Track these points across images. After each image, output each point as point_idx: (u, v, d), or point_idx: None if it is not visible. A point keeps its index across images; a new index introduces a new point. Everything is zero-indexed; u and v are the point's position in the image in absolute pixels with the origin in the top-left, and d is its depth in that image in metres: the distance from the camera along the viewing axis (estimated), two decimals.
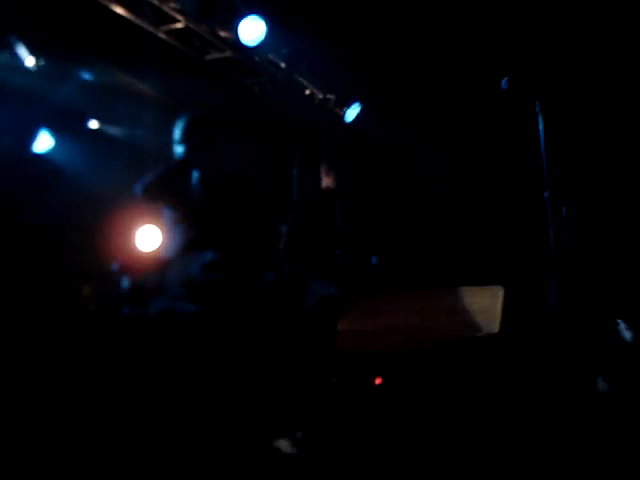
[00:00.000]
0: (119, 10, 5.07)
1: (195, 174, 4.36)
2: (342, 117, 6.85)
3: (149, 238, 4.89)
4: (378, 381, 6.35)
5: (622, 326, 5.02)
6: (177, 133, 4.42)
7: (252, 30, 5.48)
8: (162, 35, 5.39)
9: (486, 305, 4.81)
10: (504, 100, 3.19)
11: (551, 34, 5.59)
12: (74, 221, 5.00)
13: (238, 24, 5.45)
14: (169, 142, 5.04)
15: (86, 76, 5.43)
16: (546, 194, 3.13)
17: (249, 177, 4.60)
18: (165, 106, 5.83)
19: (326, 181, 5.20)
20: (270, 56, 6.03)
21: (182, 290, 4.23)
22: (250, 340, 4.26)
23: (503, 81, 3.11)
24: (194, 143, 4.35)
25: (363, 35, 6.13)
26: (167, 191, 4.35)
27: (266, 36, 5.51)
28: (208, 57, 5.82)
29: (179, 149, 4.38)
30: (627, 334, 5.11)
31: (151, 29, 5.34)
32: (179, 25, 5.38)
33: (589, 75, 5.92)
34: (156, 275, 4.34)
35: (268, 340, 4.33)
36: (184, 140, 4.35)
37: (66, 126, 5.32)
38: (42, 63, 5.08)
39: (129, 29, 5.25)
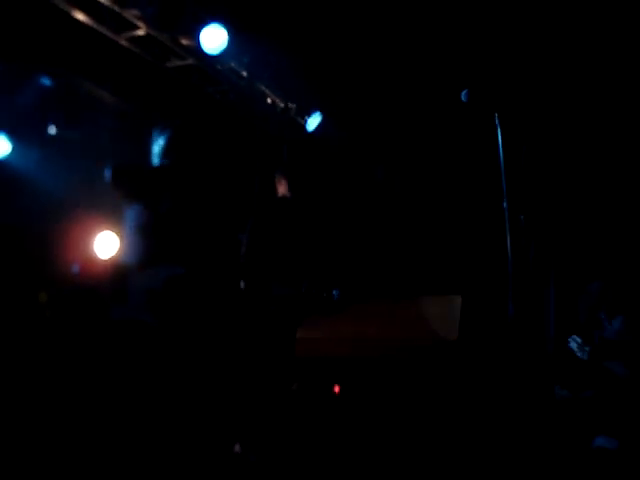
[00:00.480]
0: (79, 16, 5.03)
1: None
2: (303, 126, 6.88)
3: (108, 245, 4.86)
4: (337, 389, 6.39)
5: (574, 344, 5.07)
6: (157, 147, 4.43)
7: (214, 38, 5.49)
8: (123, 42, 5.36)
9: (445, 313, 4.87)
10: (464, 112, 3.25)
11: (509, 47, 5.69)
12: (32, 227, 4.95)
13: (200, 32, 5.46)
14: (129, 149, 5.02)
15: (46, 81, 5.37)
16: (505, 204, 3.18)
17: (219, 189, 4.63)
18: (126, 113, 5.80)
19: (281, 190, 5.24)
20: (232, 64, 6.03)
21: (144, 301, 4.22)
22: (211, 348, 4.26)
23: (463, 93, 3.17)
24: (175, 159, 4.38)
25: (324, 45, 6.17)
26: (137, 186, 4.33)
27: (228, 45, 5.52)
28: (169, 64, 5.81)
29: (159, 162, 4.40)
30: (579, 351, 5.17)
31: (112, 36, 5.31)
32: (140, 32, 5.36)
33: (546, 87, 6.04)
34: (116, 282, 4.31)
35: (230, 347, 4.34)
36: (165, 156, 4.38)
37: (25, 131, 5.26)
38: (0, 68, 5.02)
39: (89, 35, 5.22)
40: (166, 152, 4.35)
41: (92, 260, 4.80)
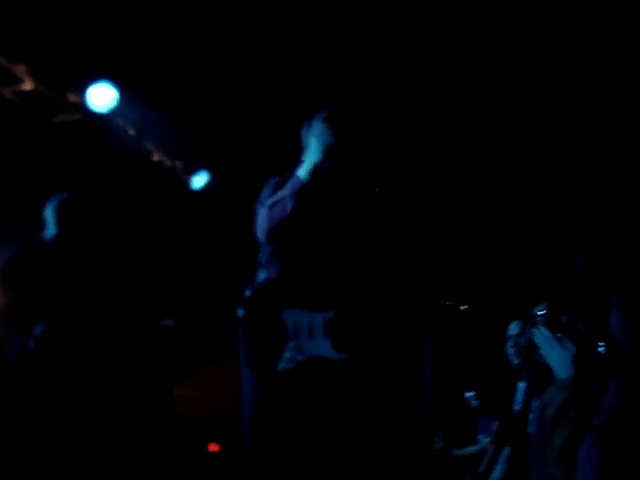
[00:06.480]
0: None
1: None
2: (189, 184, 6.94)
3: None
4: (213, 448, 6.34)
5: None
6: (49, 213, 4.41)
7: (102, 96, 5.51)
8: (9, 95, 5.32)
9: None
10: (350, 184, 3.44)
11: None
12: None
13: (88, 89, 5.47)
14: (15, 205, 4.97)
15: None
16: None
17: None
18: (12, 166, 5.70)
19: None
20: (119, 121, 6.06)
21: None
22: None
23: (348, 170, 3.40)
24: (68, 225, 4.38)
25: (210, 105, 6.29)
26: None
27: (116, 102, 5.56)
28: (56, 119, 5.78)
29: (52, 229, 4.38)
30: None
31: None
32: (27, 87, 5.32)
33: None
34: None
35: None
36: (58, 223, 4.37)
37: None
38: None
39: None
40: (57, 219, 4.36)
41: None
